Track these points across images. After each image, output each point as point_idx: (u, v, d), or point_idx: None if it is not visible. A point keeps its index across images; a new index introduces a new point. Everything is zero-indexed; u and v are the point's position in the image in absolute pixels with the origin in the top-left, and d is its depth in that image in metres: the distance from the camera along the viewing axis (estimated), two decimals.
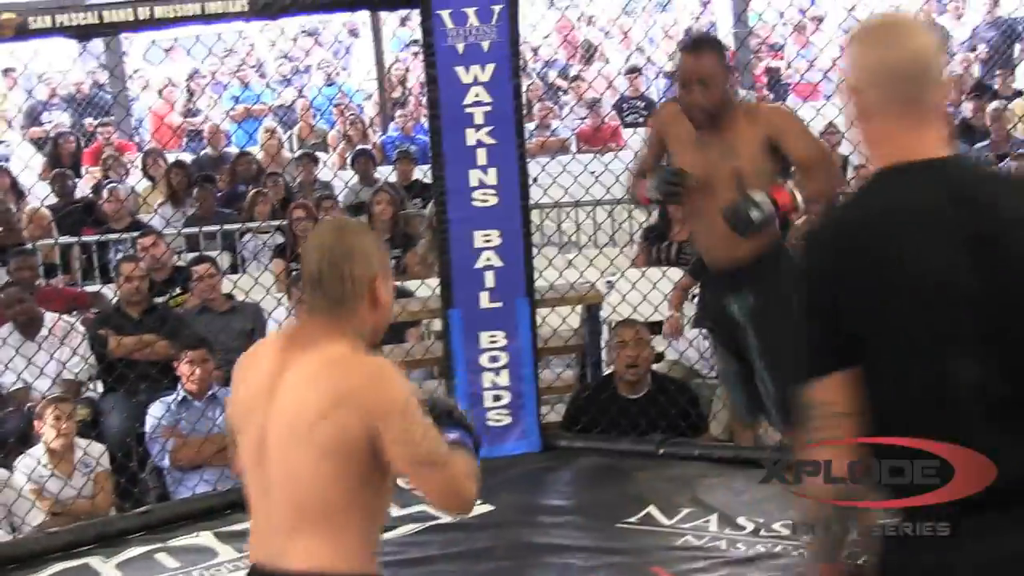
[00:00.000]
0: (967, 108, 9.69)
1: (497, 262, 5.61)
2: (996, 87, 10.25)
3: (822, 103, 8.18)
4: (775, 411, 4.07)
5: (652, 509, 4.97)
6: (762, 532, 4.67)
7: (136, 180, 10.01)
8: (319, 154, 10.22)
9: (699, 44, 4.13)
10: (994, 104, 9.33)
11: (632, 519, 4.90)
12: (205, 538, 4.99)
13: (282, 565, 2.43)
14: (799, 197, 3.88)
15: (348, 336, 2.45)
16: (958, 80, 10.33)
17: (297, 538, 2.41)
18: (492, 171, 5.56)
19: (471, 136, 5.55)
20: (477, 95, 5.52)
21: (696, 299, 6.62)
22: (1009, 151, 8.41)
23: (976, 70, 10.95)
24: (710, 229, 4.05)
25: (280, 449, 2.43)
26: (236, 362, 2.63)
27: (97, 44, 11.33)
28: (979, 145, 8.90)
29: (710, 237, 4.09)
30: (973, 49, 11.31)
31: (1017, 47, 11.34)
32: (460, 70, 5.51)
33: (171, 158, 10.11)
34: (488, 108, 5.53)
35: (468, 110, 5.53)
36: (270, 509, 2.46)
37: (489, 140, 5.55)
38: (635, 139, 9.13)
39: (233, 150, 10.48)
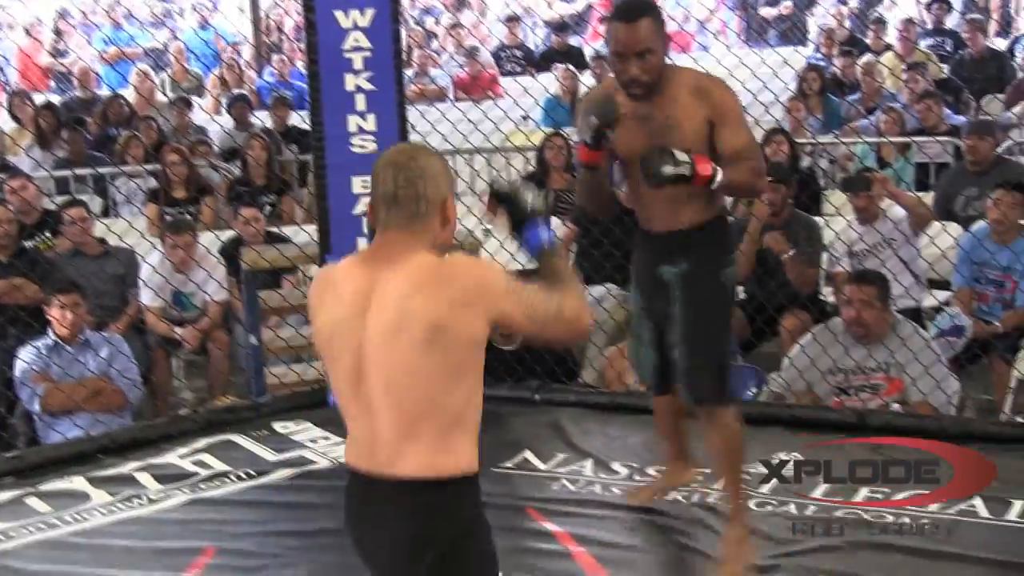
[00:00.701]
0: (838, 62, 9.86)
1: None
2: (868, 41, 10.42)
3: (698, 53, 8.24)
4: (685, 381, 3.90)
5: (528, 454, 5.02)
6: (636, 477, 4.75)
7: (2, 121, 9.76)
8: (193, 98, 10.07)
9: (633, 11, 3.67)
10: (865, 58, 9.50)
11: (508, 464, 4.93)
12: (77, 482, 4.90)
13: (394, 472, 2.50)
14: (719, 177, 3.61)
15: (426, 248, 2.54)
16: (830, 33, 10.51)
17: (409, 445, 2.49)
18: (371, 117, 5.53)
19: (350, 81, 5.51)
20: (356, 40, 5.48)
21: (577, 251, 6.72)
22: (879, 105, 8.58)
23: (848, 24, 11.12)
24: (652, 198, 3.81)
25: (383, 363, 2.49)
26: (310, 288, 2.68)
27: None
28: (850, 98, 9.07)
29: (652, 206, 3.86)
30: (845, 3, 11.48)
31: (887, 1, 11.54)
32: (339, 14, 5.46)
33: (39, 100, 9.88)
34: (367, 54, 5.49)
35: (347, 55, 5.49)
36: (375, 423, 2.52)
37: (368, 86, 5.52)
38: (513, 87, 9.13)
39: (104, 92, 10.27)
